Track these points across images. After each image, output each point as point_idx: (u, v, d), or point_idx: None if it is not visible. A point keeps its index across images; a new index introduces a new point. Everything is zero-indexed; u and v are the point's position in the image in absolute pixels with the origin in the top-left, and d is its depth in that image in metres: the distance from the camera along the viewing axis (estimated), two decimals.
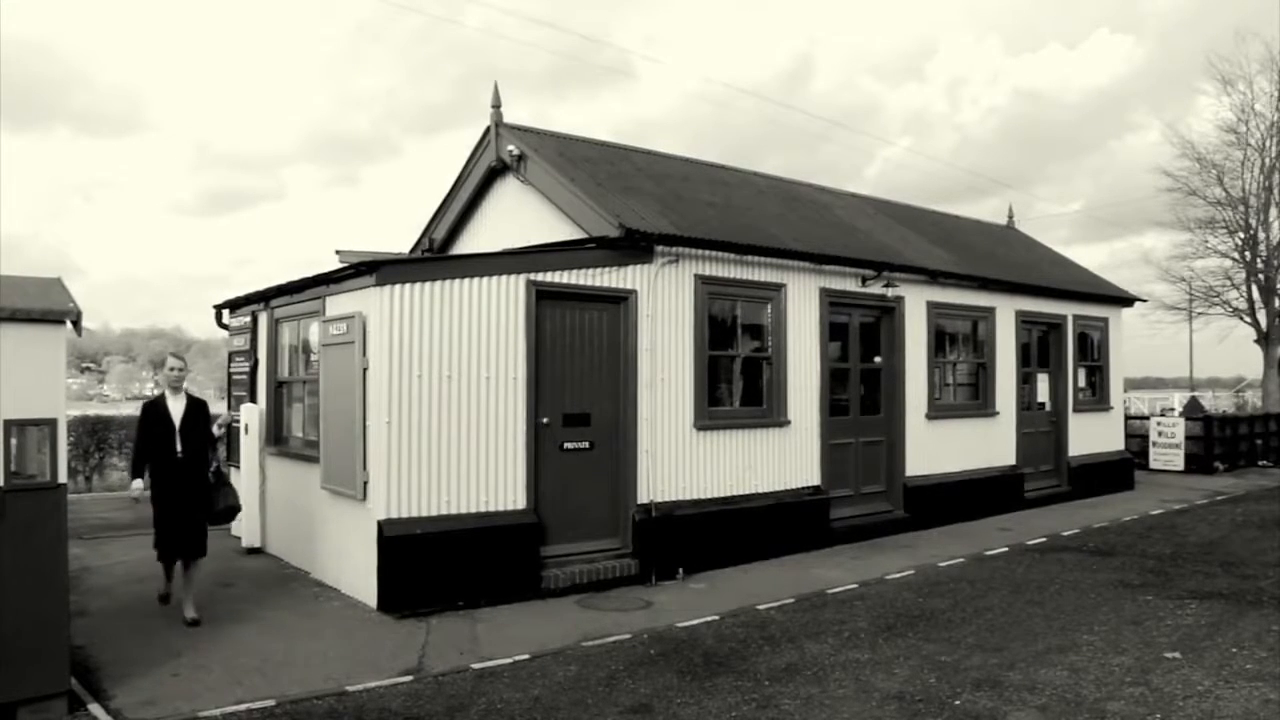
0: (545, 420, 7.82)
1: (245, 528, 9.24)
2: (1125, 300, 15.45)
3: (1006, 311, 12.69)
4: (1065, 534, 10.63)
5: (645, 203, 9.22)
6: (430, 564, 7.04)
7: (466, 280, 7.36)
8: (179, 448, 6.57)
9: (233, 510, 6.89)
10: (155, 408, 6.68)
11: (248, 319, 10.02)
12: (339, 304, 7.81)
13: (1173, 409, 23.43)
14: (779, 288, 9.60)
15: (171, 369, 6.93)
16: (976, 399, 12.40)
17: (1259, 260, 26.57)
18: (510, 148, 9.79)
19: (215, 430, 7.03)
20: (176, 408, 6.65)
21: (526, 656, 5.92)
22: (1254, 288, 26.84)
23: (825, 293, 10.09)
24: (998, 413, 12.39)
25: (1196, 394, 27.69)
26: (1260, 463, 18.82)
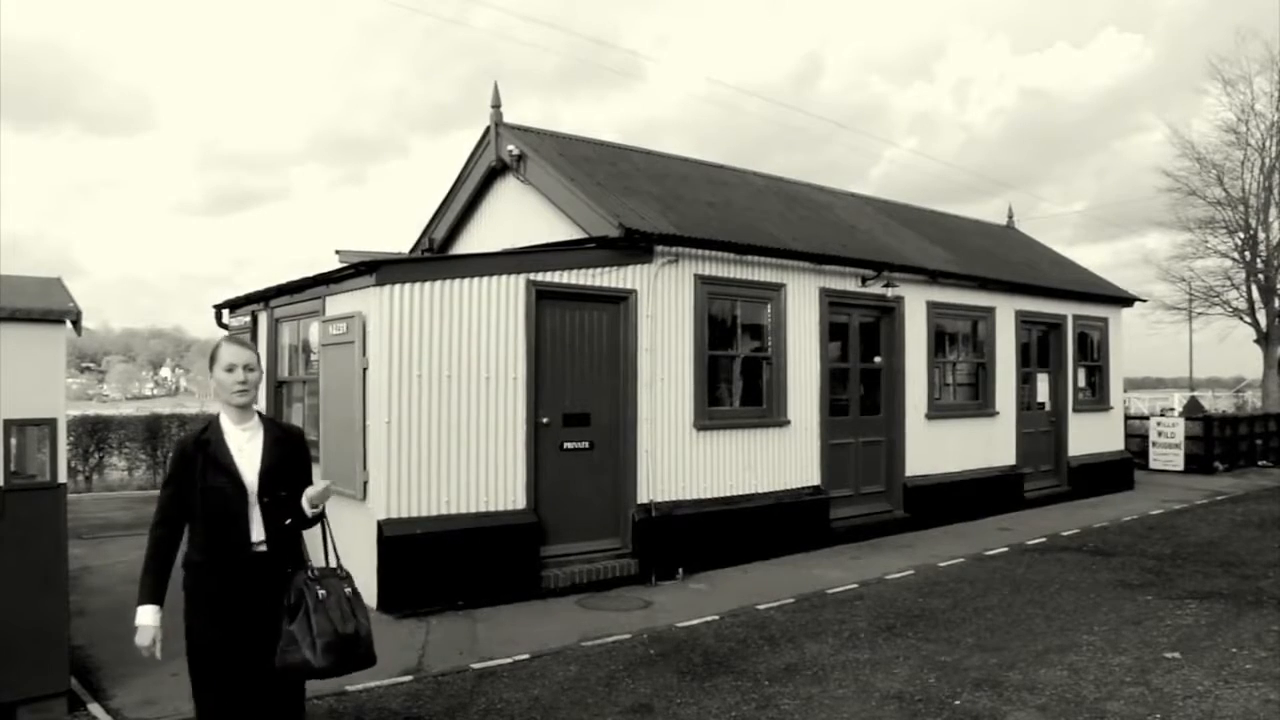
0: (545, 420, 7.82)
1: None
2: (1125, 300, 15.44)
3: (1006, 311, 12.68)
4: (1065, 534, 10.63)
5: (645, 202, 9.22)
6: (430, 564, 7.03)
7: (466, 280, 7.36)
8: (256, 532, 3.18)
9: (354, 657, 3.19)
10: (203, 450, 3.16)
11: (248, 319, 10.02)
12: (339, 304, 7.81)
13: (1172, 409, 23.41)
14: (779, 288, 9.60)
15: (230, 368, 3.21)
16: (976, 399, 12.39)
17: (1259, 260, 26.59)
18: (510, 148, 9.79)
19: (307, 505, 3.24)
20: (247, 447, 3.23)
21: (526, 656, 5.92)
22: (1254, 288, 26.87)
23: (825, 293, 10.09)
24: (997, 413, 12.39)
25: (1196, 394, 27.67)
26: (1260, 463, 18.81)
